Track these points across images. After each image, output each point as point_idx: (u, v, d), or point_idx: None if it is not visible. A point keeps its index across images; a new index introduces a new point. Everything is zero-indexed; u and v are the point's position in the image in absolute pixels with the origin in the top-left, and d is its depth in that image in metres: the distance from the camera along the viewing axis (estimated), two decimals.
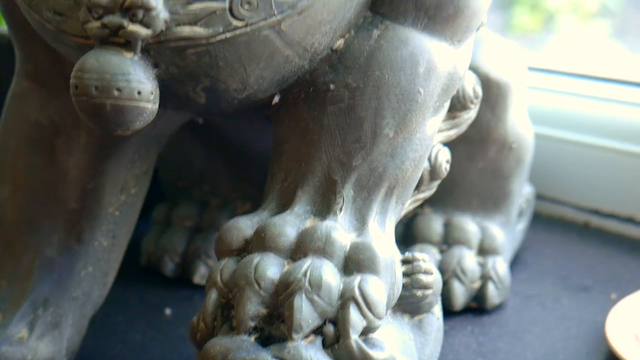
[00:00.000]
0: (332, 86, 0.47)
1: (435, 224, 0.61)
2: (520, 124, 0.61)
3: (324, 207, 0.47)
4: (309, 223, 0.46)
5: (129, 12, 0.42)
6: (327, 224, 0.46)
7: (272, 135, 0.50)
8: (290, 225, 0.46)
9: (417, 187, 0.51)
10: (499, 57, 0.59)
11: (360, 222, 0.47)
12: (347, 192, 0.47)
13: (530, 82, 0.71)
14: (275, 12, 0.43)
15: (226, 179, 0.67)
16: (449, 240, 0.61)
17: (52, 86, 0.52)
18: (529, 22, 2.10)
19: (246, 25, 0.43)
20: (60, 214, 0.53)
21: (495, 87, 0.58)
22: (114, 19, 0.42)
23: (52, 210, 0.53)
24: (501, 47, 0.60)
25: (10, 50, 0.56)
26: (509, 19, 2.12)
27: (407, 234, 0.62)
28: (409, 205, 0.51)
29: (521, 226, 0.67)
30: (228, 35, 0.43)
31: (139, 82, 0.43)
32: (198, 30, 0.43)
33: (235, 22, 0.43)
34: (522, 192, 0.65)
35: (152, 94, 0.43)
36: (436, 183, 0.52)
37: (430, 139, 0.49)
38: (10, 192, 0.54)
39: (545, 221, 0.75)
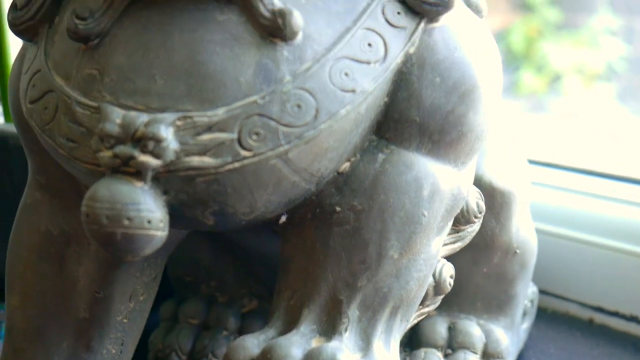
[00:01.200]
0: (338, 208, 0.48)
1: (440, 327, 0.62)
2: (524, 229, 0.62)
3: (330, 327, 0.48)
4: (314, 343, 0.47)
5: (140, 143, 0.43)
6: (333, 345, 0.46)
7: (279, 251, 0.51)
8: (296, 346, 0.46)
9: (422, 302, 0.52)
10: (502, 165, 0.60)
11: (365, 342, 0.48)
12: (353, 312, 0.48)
13: (533, 177, 0.72)
14: (283, 143, 0.44)
15: (233, 276, 0.67)
16: (453, 345, 0.61)
17: (63, 197, 0.53)
18: (535, 83, 2.12)
19: (254, 155, 0.44)
20: (70, 322, 0.54)
21: (499, 196, 0.59)
22: (125, 149, 0.43)
23: (61, 319, 0.54)
24: (504, 155, 0.61)
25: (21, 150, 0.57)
26: (515, 80, 2.14)
27: (412, 337, 0.62)
28: (413, 319, 0.52)
29: (525, 326, 0.68)
30: (236, 164, 0.44)
31: (149, 211, 0.43)
32: (207, 160, 0.44)
33: (243, 152, 0.44)
34: (527, 293, 0.66)
35: (161, 222, 0.44)
36: (440, 297, 0.53)
37: (434, 258, 0.50)
38: (20, 301, 0.55)
39: (550, 316, 0.76)
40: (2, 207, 0.69)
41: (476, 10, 0.51)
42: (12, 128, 0.68)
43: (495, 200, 0.59)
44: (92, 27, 0.46)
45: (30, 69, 0.49)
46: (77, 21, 0.46)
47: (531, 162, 0.69)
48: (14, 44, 0.75)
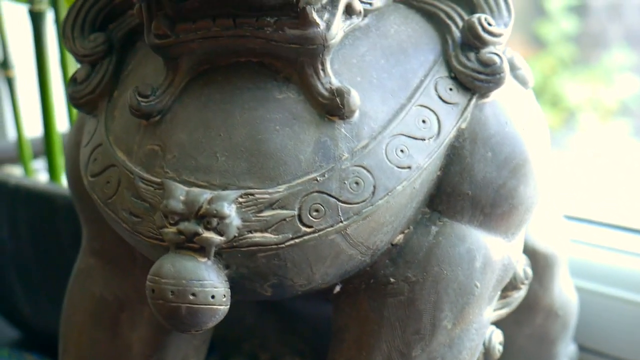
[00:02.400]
0: (392, 279, 0.49)
1: None
2: (565, 291, 0.63)
3: None
4: None
5: (204, 220, 0.44)
6: None
7: (332, 319, 0.52)
8: None
9: None
10: (543, 226, 0.60)
11: None
12: None
13: (573, 234, 0.72)
14: (342, 219, 0.45)
15: (276, 334, 0.68)
16: None
17: (118, 263, 0.54)
18: (550, 119, 2.13)
19: (314, 232, 0.45)
20: None
21: (542, 259, 0.60)
22: (189, 226, 0.44)
23: None
24: (544, 215, 0.62)
25: (72, 213, 0.58)
26: None
27: None
28: None
29: None
30: (297, 240, 0.45)
31: (213, 287, 0.45)
32: (269, 237, 0.45)
33: (304, 229, 0.45)
34: (567, 351, 0.66)
35: (224, 296, 0.45)
36: None
37: (485, 327, 0.51)
38: None
39: None
40: (49, 269, 0.71)
41: (523, 81, 0.52)
42: (59, 189, 0.69)
43: (538, 264, 0.60)
44: (153, 105, 0.47)
45: (90, 142, 0.51)
46: (139, 98, 0.47)
47: (567, 217, 0.70)
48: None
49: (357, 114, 0.46)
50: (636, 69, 2.04)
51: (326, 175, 0.45)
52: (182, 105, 0.47)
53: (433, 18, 0.50)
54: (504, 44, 0.50)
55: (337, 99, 0.45)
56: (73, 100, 0.52)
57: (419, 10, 0.51)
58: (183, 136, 0.46)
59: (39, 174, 0.81)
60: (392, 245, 0.49)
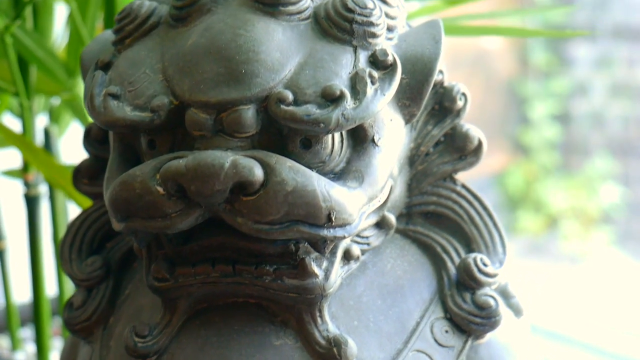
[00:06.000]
0: None
1: None
2: None
3: None
4: None
5: None
6: None
7: None
8: None
9: None
10: None
11: None
12: None
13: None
14: None
15: None
16: None
17: None
18: (533, 225, 2.15)
19: None
20: None
21: None
22: None
23: None
24: None
25: None
26: (513, 222, 2.17)
27: None
28: None
29: None
30: None
31: None
32: None
33: None
34: None
35: None
36: None
37: None
38: None
39: None
40: None
41: (517, 310, 0.53)
42: None
43: None
44: (150, 346, 0.47)
45: None
46: (136, 339, 0.47)
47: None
48: None
49: None
50: (618, 177, 2.07)
51: None
52: (179, 346, 0.47)
53: (429, 250, 0.51)
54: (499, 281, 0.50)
55: (335, 349, 0.46)
56: (69, 325, 0.52)
57: (414, 240, 0.51)
58: None
59: (26, 344, 0.80)
60: None
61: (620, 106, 2.09)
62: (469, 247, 0.51)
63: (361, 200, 0.45)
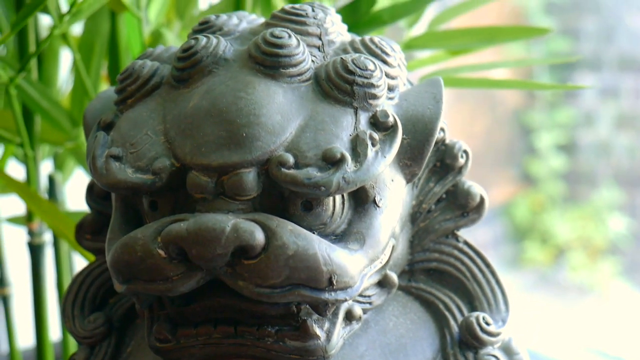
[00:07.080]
0: None
1: None
2: None
3: None
4: None
5: None
6: None
7: None
8: None
9: None
10: None
11: None
12: None
13: None
14: None
15: None
16: None
17: None
18: (540, 256, 2.14)
19: None
20: None
21: None
22: None
23: None
24: None
25: None
26: (520, 253, 2.17)
27: None
28: None
29: None
30: None
31: None
32: None
33: None
34: None
35: None
36: None
37: None
38: None
39: None
40: None
41: None
42: None
43: None
44: None
45: None
46: None
47: None
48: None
49: None
50: (624, 208, 2.06)
51: None
52: None
53: (431, 307, 0.51)
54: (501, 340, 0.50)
55: None
56: None
57: (417, 297, 0.51)
58: None
59: None
60: None
61: (627, 136, 2.09)
62: (472, 304, 0.51)
63: (362, 262, 0.45)
